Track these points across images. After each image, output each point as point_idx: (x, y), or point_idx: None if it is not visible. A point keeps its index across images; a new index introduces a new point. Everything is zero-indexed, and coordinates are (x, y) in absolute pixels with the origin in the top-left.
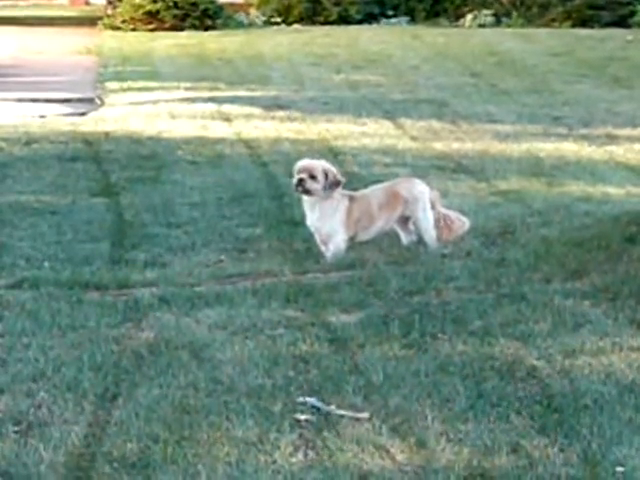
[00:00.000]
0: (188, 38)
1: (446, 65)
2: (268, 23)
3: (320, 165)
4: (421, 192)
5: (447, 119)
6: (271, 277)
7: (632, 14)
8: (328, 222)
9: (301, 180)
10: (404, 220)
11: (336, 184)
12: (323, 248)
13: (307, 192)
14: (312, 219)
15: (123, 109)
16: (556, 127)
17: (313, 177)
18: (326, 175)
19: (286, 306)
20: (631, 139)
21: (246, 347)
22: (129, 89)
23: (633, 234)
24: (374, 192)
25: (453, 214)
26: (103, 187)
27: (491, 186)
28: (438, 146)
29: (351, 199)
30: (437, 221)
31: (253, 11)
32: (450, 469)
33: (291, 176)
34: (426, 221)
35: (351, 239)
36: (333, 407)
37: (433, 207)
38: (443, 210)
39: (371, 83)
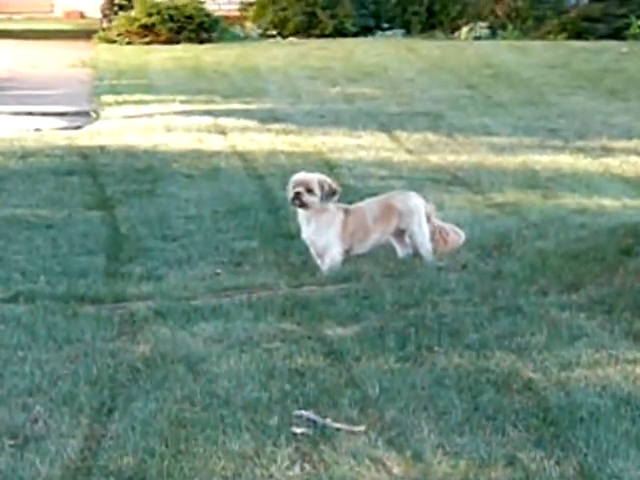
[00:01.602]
0: (184, 51)
1: (442, 78)
2: (264, 36)
3: (316, 177)
4: (416, 205)
5: (443, 132)
6: (267, 290)
7: (627, 26)
8: (324, 235)
9: (298, 194)
10: (400, 233)
11: (333, 193)
12: (318, 261)
13: (304, 205)
14: (308, 232)
15: (119, 122)
16: (552, 139)
17: (310, 190)
18: (322, 187)
19: (282, 319)
20: (627, 151)
21: (242, 360)
22: (125, 102)
23: (629, 246)
24: (369, 205)
25: (448, 227)
26: (99, 201)
27: (487, 199)
28: (434, 159)
29: (346, 212)
30: (432, 234)
31: (249, 24)
32: None
33: (286, 189)
34: (422, 234)
35: (347, 252)
36: (329, 420)
37: (428, 220)
38: (439, 223)
39: (367, 96)
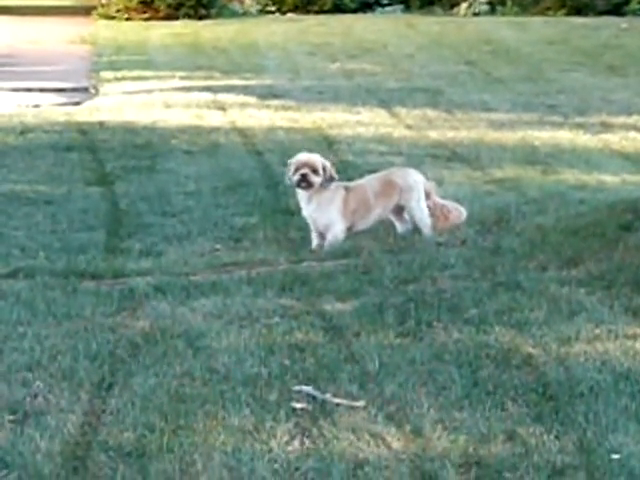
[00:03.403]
0: (183, 27)
1: (441, 54)
2: (263, 12)
3: (319, 159)
4: (416, 181)
5: (442, 108)
6: (266, 266)
7: (627, 2)
8: (325, 213)
9: (304, 175)
10: (399, 209)
11: (331, 179)
12: (315, 240)
13: (310, 186)
14: (309, 210)
15: (118, 98)
16: (551, 115)
17: (315, 171)
18: (324, 168)
19: (281, 295)
20: (626, 127)
21: (242, 336)
22: (124, 78)
23: (628, 222)
24: (369, 182)
25: (450, 204)
26: (98, 176)
27: (486, 174)
28: (433, 135)
29: (347, 189)
30: (434, 211)
31: (247, 0)
32: (446, 457)
33: (285, 166)
34: (419, 210)
35: (349, 229)
36: (329, 395)
37: (428, 197)
38: (440, 200)
39: (366, 72)
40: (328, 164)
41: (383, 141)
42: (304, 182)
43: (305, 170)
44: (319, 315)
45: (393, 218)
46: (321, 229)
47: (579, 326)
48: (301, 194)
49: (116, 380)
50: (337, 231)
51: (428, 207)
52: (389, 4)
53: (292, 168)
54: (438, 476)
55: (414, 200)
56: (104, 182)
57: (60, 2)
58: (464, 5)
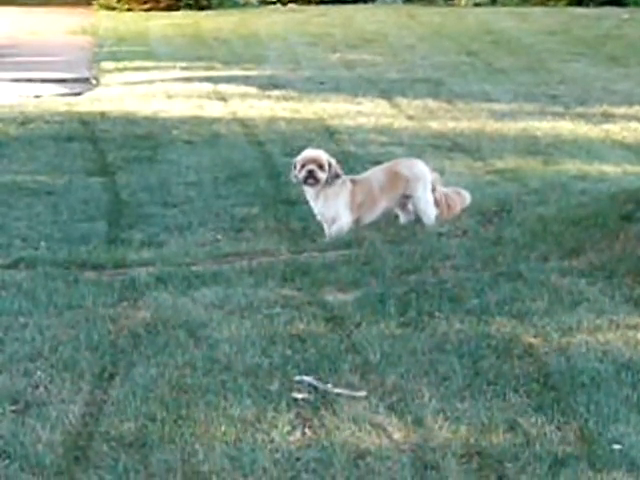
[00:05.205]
0: (183, 18)
1: (442, 44)
2: (263, 2)
3: (325, 155)
4: (422, 171)
5: (443, 98)
6: (268, 256)
7: None
8: (333, 206)
9: (311, 171)
10: (405, 200)
11: (336, 176)
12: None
13: (317, 182)
14: (318, 207)
15: (119, 89)
16: (552, 106)
17: (321, 167)
18: (329, 165)
19: (283, 285)
20: (627, 117)
21: (243, 326)
22: (125, 69)
23: (630, 212)
24: (375, 174)
25: (452, 192)
26: (99, 167)
27: (487, 165)
28: (434, 125)
29: (353, 182)
30: (439, 202)
31: None
32: (447, 447)
33: (292, 164)
34: (425, 200)
35: (356, 222)
36: (330, 386)
37: (434, 189)
38: (443, 190)
39: (367, 62)
40: (333, 161)
41: (384, 131)
42: (311, 179)
43: (311, 166)
44: (320, 305)
45: (397, 208)
46: (329, 223)
47: (580, 316)
48: (309, 193)
49: (117, 370)
50: (343, 223)
51: (434, 198)
52: None
53: (298, 165)
54: (439, 466)
55: (420, 190)
56: (105, 173)
57: None
58: None
